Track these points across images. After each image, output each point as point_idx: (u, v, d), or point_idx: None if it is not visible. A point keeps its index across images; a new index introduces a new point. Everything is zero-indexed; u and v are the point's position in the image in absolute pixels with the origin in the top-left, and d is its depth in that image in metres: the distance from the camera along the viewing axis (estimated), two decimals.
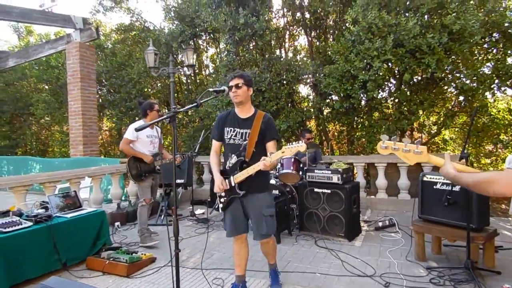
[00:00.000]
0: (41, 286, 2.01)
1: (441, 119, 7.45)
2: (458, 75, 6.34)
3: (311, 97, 8.63)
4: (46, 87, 12.56)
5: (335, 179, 4.25)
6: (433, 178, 3.47)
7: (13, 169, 9.09)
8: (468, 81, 6.13)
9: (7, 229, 2.93)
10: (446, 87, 6.77)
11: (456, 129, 8.43)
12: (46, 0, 8.51)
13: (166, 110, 10.53)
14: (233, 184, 2.59)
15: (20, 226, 3.04)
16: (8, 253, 2.86)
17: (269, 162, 2.37)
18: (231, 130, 2.70)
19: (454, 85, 6.57)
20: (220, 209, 2.69)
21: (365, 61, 5.86)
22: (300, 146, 2.30)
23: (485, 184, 1.29)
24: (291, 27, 9.01)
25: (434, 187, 3.43)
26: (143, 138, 4.14)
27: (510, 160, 1.37)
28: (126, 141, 4.09)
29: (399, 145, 1.57)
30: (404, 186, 5.75)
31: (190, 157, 5.50)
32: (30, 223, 3.14)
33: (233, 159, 2.63)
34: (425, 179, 3.53)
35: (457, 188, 3.22)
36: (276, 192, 4.52)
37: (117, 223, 4.92)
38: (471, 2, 5.90)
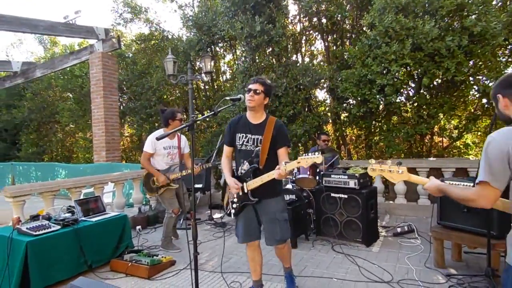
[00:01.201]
0: (70, 286, 2.15)
1: (463, 122, 7.27)
2: (480, 77, 6.20)
3: (328, 101, 8.62)
4: (71, 95, 13.10)
5: (352, 184, 4.24)
6: (451, 184, 3.40)
7: (40, 174, 9.52)
8: (491, 84, 5.97)
9: (37, 232, 3.11)
10: (467, 90, 6.61)
11: (479, 133, 8.19)
12: (70, 12, 8.94)
13: (185, 117, 10.77)
14: (245, 191, 2.58)
15: (49, 230, 3.22)
16: (40, 255, 3.03)
17: (284, 172, 2.34)
18: (242, 136, 2.67)
19: (476, 88, 6.42)
20: (232, 215, 2.71)
21: (382, 65, 5.83)
22: (317, 157, 2.25)
23: (467, 202, 1.55)
24: (308, 32, 9.06)
25: None
26: (160, 150, 4.11)
27: (480, 175, 1.52)
28: (146, 155, 4.09)
29: (384, 167, 1.86)
30: (424, 192, 5.64)
31: (209, 173, 5.60)
32: (58, 227, 3.32)
33: (245, 165, 2.61)
34: None
35: None
36: (292, 196, 4.56)
37: (138, 227, 5.08)
38: (493, 3, 5.78)
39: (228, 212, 2.73)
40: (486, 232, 2.96)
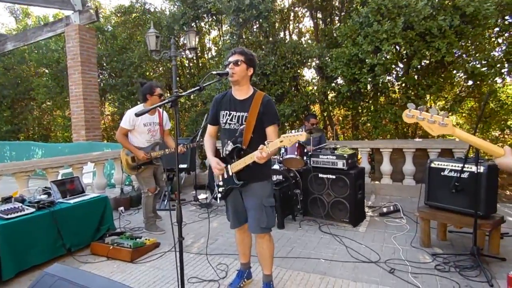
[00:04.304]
0: (44, 274, 1.99)
1: (449, 104, 7.31)
2: (467, 58, 6.16)
3: (315, 81, 8.47)
4: (47, 71, 12.42)
5: (340, 164, 4.18)
6: (440, 165, 3.39)
7: (15, 154, 9.08)
8: (479, 65, 5.96)
9: (10, 216, 2.91)
10: (455, 71, 6.60)
11: (464, 114, 8.29)
12: None
13: (169, 94, 10.42)
14: (230, 174, 2.37)
15: (22, 213, 3.02)
16: (12, 239, 2.85)
17: (266, 153, 2.09)
18: (226, 113, 2.44)
19: (464, 69, 6.40)
20: (218, 199, 2.52)
21: (373, 44, 5.69)
22: (300, 135, 2.01)
23: None
24: (296, 9, 8.78)
25: (442, 173, 3.36)
26: (139, 127, 3.86)
27: None
28: (122, 130, 3.86)
29: (424, 115, 1.57)
30: (409, 172, 5.68)
31: (194, 152, 5.48)
32: (32, 209, 3.12)
33: (229, 146, 2.37)
34: (432, 165, 3.45)
35: (465, 175, 3.16)
36: (280, 177, 4.49)
37: (120, 208, 4.91)
38: None
39: (215, 196, 2.53)
40: (473, 212, 2.97)
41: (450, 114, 7.63)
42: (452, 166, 3.29)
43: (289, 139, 2.05)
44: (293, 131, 2.07)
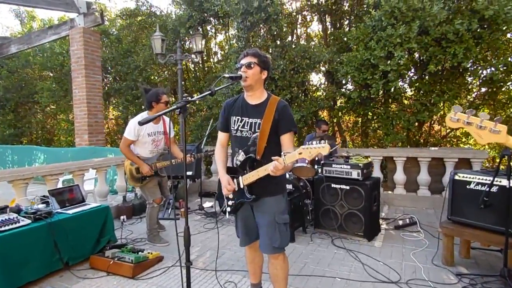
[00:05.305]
0: None
1: (465, 110, 7.04)
2: (484, 64, 5.92)
3: (323, 86, 8.25)
4: (51, 74, 12.31)
5: (355, 174, 3.95)
6: (466, 177, 3.15)
7: (17, 159, 8.91)
8: (496, 71, 5.72)
9: (3, 228, 2.70)
10: (470, 78, 6.35)
11: None
12: None
13: (173, 99, 10.25)
14: (241, 186, 2.17)
15: (17, 224, 2.81)
16: (5, 254, 2.64)
17: (283, 165, 1.88)
18: (238, 119, 2.23)
19: (480, 75, 6.15)
20: (227, 214, 2.30)
21: (386, 49, 5.47)
22: (322, 147, 1.82)
23: None
24: (304, 13, 8.61)
25: (467, 187, 3.12)
26: (144, 137, 3.64)
27: None
28: (126, 142, 3.61)
29: (473, 119, 1.42)
30: (424, 182, 5.43)
31: (199, 159, 5.30)
32: (28, 221, 2.91)
33: (241, 155, 2.20)
34: (457, 177, 3.21)
35: (495, 189, 2.91)
36: (289, 186, 4.26)
37: (122, 217, 4.69)
38: None
39: (224, 210, 2.31)
40: (503, 230, 2.73)
41: None
42: (479, 179, 3.05)
43: (309, 151, 1.85)
44: (314, 142, 1.88)
